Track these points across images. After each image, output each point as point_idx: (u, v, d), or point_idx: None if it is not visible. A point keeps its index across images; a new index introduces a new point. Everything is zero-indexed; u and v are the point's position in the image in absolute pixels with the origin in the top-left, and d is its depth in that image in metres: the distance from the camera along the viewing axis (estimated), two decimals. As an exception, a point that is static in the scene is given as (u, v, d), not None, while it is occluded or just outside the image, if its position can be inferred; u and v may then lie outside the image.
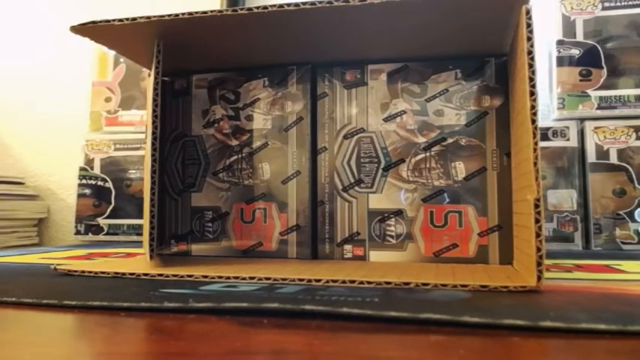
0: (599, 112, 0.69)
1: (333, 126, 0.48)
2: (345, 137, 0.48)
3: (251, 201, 0.49)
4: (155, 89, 0.42)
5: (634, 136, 0.67)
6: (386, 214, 0.46)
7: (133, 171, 0.78)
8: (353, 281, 0.33)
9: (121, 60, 0.84)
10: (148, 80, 0.50)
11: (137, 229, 0.77)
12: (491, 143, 0.45)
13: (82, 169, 0.80)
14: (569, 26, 0.72)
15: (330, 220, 0.47)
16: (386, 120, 0.47)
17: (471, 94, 0.45)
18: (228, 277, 0.36)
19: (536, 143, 0.31)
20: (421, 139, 0.46)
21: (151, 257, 0.41)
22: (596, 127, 0.68)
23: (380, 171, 0.47)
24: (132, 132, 0.81)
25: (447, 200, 0.45)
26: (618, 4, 0.70)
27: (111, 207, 0.78)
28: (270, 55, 0.48)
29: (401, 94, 0.47)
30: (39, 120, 0.95)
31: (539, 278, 0.30)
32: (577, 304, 0.28)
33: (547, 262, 0.46)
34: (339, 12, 0.39)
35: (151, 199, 0.41)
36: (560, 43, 0.71)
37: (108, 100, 0.83)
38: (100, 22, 0.41)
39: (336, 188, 0.48)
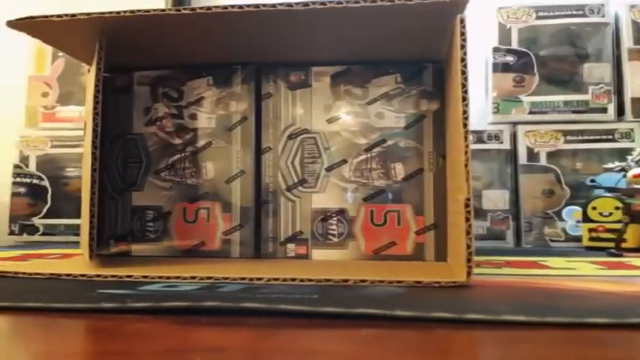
0: (531, 117, 0.73)
1: (278, 126, 0.49)
2: (290, 137, 0.48)
3: (194, 200, 0.49)
4: (96, 86, 0.41)
5: (562, 139, 0.71)
6: (328, 214, 0.47)
7: (71, 169, 0.76)
8: (294, 279, 0.34)
9: (60, 54, 0.81)
10: (87, 75, 0.48)
11: (75, 230, 0.74)
12: (428, 145, 0.47)
13: (16, 166, 0.77)
14: (505, 34, 0.75)
15: (273, 220, 0.48)
16: (329, 121, 0.48)
17: (410, 98, 0.47)
18: (169, 277, 0.36)
19: (467, 146, 0.33)
20: (363, 141, 0.47)
21: (91, 258, 0.41)
22: (527, 131, 0.72)
23: (323, 171, 0.48)
24: (70, 128, 0.78)
25: (390, 199, 0.46)
26: (552, 13, 0.75)
27: (47, 206, 0.75)
28: (214, 54, 0.48)
29: (344, 97, 0.48)
30: (-31, 114, 0.90)
31: (468, 274, 0.32)
32: (502, 297, 0.30)
33: (479, 258, 0.48)
34: (282, 16, 0.39)
35: (91, 199, 0.40)
36: (496, 50, 0.75)
37: (45, 95, 0.80)
38: (38, 17, 0.40)
39: (280, 188, 0.48)
